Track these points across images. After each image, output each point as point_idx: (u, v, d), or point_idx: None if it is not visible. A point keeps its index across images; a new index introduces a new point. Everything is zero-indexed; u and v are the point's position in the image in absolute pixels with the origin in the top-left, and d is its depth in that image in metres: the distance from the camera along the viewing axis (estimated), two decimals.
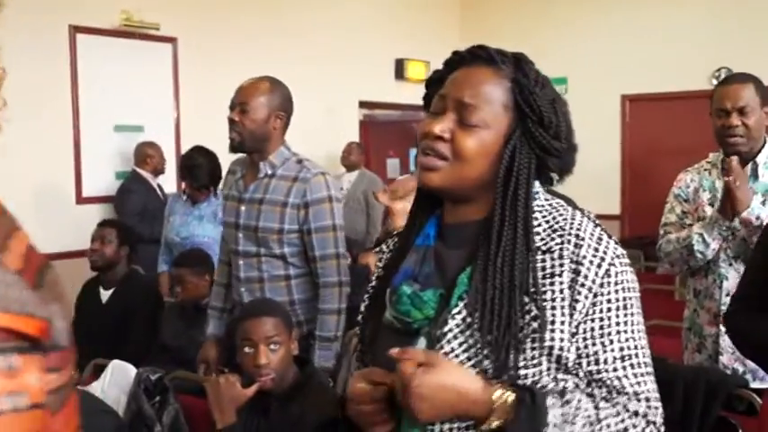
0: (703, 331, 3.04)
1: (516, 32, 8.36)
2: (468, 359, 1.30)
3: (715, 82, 7.61)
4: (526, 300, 1.30)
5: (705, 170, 3.10)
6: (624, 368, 1.31)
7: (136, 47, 6.35)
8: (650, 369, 1.35)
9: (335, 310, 2.94)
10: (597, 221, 1.38)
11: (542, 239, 1.34)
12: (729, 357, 2.90)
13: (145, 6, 6.29)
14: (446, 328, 1.33)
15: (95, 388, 3.10)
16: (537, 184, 1.41)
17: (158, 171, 6.14)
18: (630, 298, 1.33)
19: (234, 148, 3.00)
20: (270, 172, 2.96)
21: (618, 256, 1.34)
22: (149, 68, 6.47)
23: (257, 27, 7.15)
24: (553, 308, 1.29)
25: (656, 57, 8.07)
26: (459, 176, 1.36)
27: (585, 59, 8.47)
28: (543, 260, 1.32)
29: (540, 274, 1.31)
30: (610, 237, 1.36)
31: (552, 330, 1.29)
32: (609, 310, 1.31)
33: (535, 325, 1.29)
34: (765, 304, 2.15)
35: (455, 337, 1.32)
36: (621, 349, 1.31)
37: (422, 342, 1.36)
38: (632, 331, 1.33)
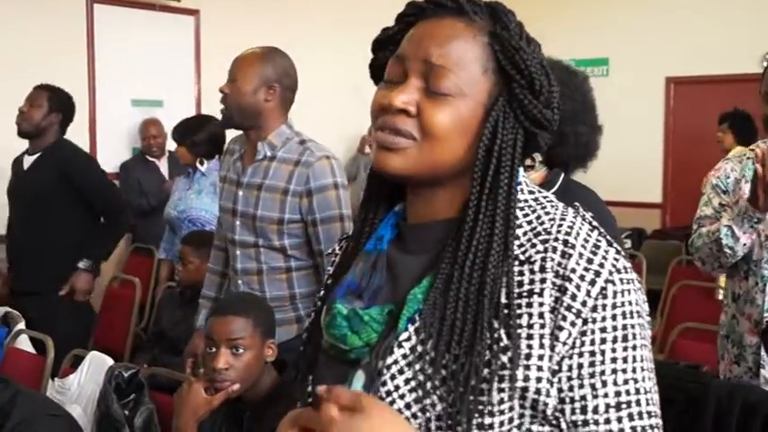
0: (743, 341, 2.69)
1: (552, 10, 7.96)
2: (416, 401, 0.98)
3: (766, 64, 7.21)
4: (496, 324, 0.96)
5: (749, 158, 2.73)
6: (620, 419, 0.96)
7: (156, 18, 6.14)
8: (656, 421, 0.98)
9: None
10: (595, 223, 1.04)
11: (521, 246, 1.00)
12: None
13: None
14: (390, 360, 1.00)
15: (72, 381, 2.88)
16: (521, 170, 1.07)
17: (155, 152, 5.88)
18: (633, 326, 0.97)
19: (224, 123, 2.75)
20: (269, 154, 2.65)
21: (618, 270, 0.98)
22: (170, 41, 6.25)
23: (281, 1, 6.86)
24: (530, 336, 0.95)
25: (702, 37, 7.67)
26: (429, 160, 1.02)
27: (628, 39, 8.08)
28: (521, 272, 0.98)
29: (515, 290, 0.97)
30: (610, 244, 1.01)
31: (527, 367, 0.95)
32: (603, 341, 0.96)
33: (505, 359, 0.95)
34: None
35: (400, 372, 0.99)
36: (618, 394, 0.96)
37: (360, 377, 1.02)
38: (634, 370, 0.97)
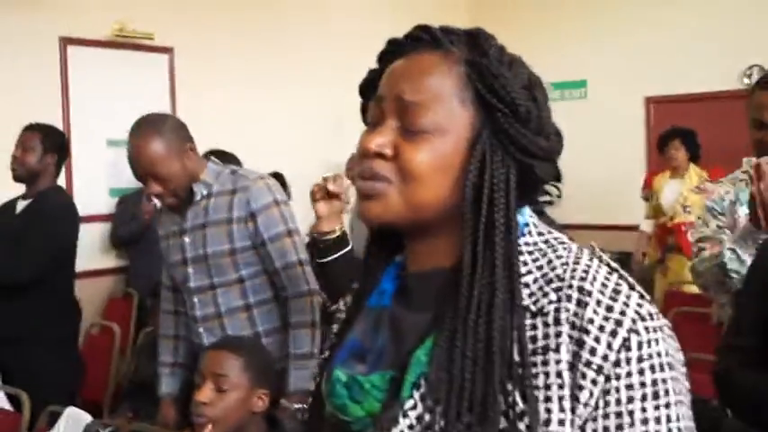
0: None
1: (530, 35, 7.94)
2: None
3: (747, 81, 7.20)
4: (509, 386, 0.87)
5: (741, 181, 2.69)
6: None
7: (130, 58, 6.05)
8: None
9: (308, 323, 2.58)
10: (614, 265, 0.95)
11: (531, 295, 0.91)
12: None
13: (138, 16, 6.00)
14: (395, 431, 0.92)
15: None
16: (527, 212, 1.00)
17: None
18: (665, 380, 0.87)
19: (179, 206, 2.68)
20: (205, 192, 2.64)
21: (643, 318, 0.88)
22: (144, 80, 6.17)
23: (258, 35, 6.82)
24: (548, 399, 0.86)
25: (679, 56, 7.64)
26: (411, 204, 0.95)
27: (605, 61, 8.07)
28: (534, 326, 0.90)
29: (529, 346, 0.89)
30: (632, 287, 0.92)
31: None
32: (630, 400, 0.85)
33: (522, 426, 0.86)
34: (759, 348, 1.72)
35: None
36: None
37: None
38: (669, 431, 0.86)
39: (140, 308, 5.25)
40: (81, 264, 5.58)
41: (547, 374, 0.87)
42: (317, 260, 2.23)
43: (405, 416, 0.91)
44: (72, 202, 3.89)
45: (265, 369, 2.27)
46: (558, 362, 0.87)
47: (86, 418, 2.74)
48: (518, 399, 0.86)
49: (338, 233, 2.17)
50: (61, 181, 5.54)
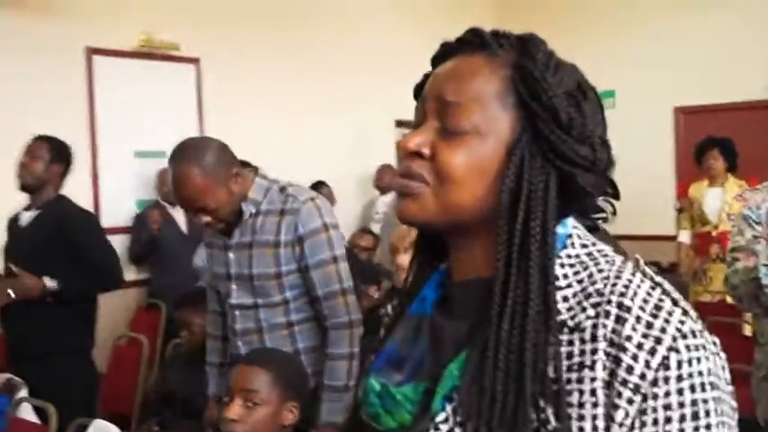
0: None
1: (558, 44, 7.84)
2: None
3: None
4: (542, 403, 0.83)
5: None
6: None
7: (156, 68, 6.06)
8: None
9: (346, 355, 2.50)
10: (658, 279, 0.88)
11: (570, 309, 0.86)
12: None
13: (164, 27, 6.01)
14: None
15: None
16: (570, 222, 0.94)
17: (173, 199, 5.81)
18: (706, 401, 0.81)
19: (228, 231, 2.59)
20: (254, 210, 2.54)
21: (684, 335, 0.83)
22: (171, 91, 6.17)
23: (284, 44, 6.81)
24: (581, 417, 0.82)
25: (709, 66, 7.60)
26: (447, 206, 0.92)
27: (634, 71, 8.01)
28: (570, 342, 0.85)
29: (564, 363, 0.84)
30: (676, 303, 0.86)
31: None
32: (668, 420, 0.80)
33: None
34: None
35: None
36: None
37: None
38: None
39: (168, 320, 5.23)
40: None
41: (581, 392, 0.83)
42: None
43: (436, 428, 0.88)
44: (84, 209, 3.91)
45: (295, 381, 2.21)
46: (593, 380, 0.83)
47: (114, 430, 2.69)
48: (551, 416, 0.82)
49: None
50: (86, 192, 5.61)
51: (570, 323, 0.86)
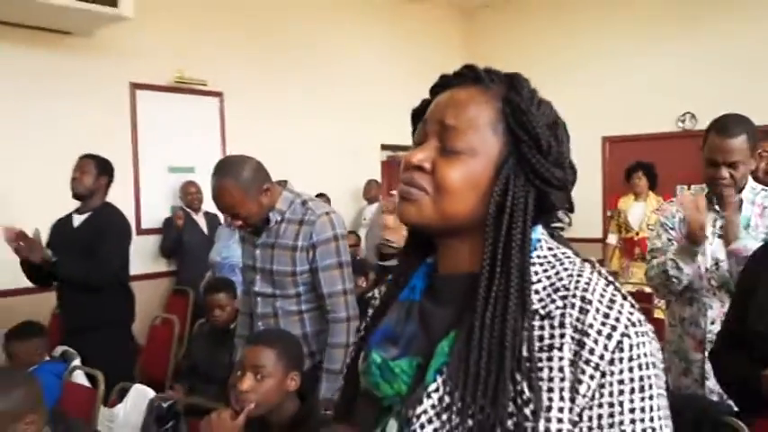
0: (689, 356, 2.56)
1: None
2: None
3: (681, 125, 7.21)
4: (518, 377, 0.83)
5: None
6: None
7: (187, 100, 6.02)
8: None
9: (343, 344, 2.48)
10: (610, 278, 0.90)
11: (541, 300, 0.87)
12: (715, 381, 2.40)
13: (195, 65, 5.99)
14: (419, 409, 0.87)
15: (119, 410, 2.70)
16: (540, 229, 0.95)
17: (194, 206, 5.80)
18: (650, 377, 0.84)
19: (257, 232, 2.57)
20: (279, 218, 2.52)
21: (633, 324, 0.85)
22: (199, 118, 6.14)
23: (293, 83, 6.80)
24: (550, 389, 0.82)
25: (631, 102, 7.65)
26: (442, 212, 0.91)
27: (571, 105, 7.99)
28: (541, 327, 0.85)
29: (536, 345, 0.84)
30: (625, 298, 0.88)
31: (548, 419, 0.81)
32: (621, 392, 0.82)
33: (528, 411, 0.82)
34: (742, 339, 1.74)
35: (429, 421, 0.86)
36: None
37: (393, 425, 0.91)
38: (651, 419, 0.83)
39: (194, 303, 5.20)
40: (144, 267, 5.59)
41: (551, 369, 0.83)
42: (378, 261, 2.14)
43: (428, 397, 0.87)
44: (125, 217, 3.82)
45: (296, 354, 2.19)
46: (560, 359, 0.83)
47: (150, 393, 2.66)
48: (525, 388, 0.83)
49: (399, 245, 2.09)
50: (129, 200, 5.58)
51: (542, 312, 0.86)
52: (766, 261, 1.78)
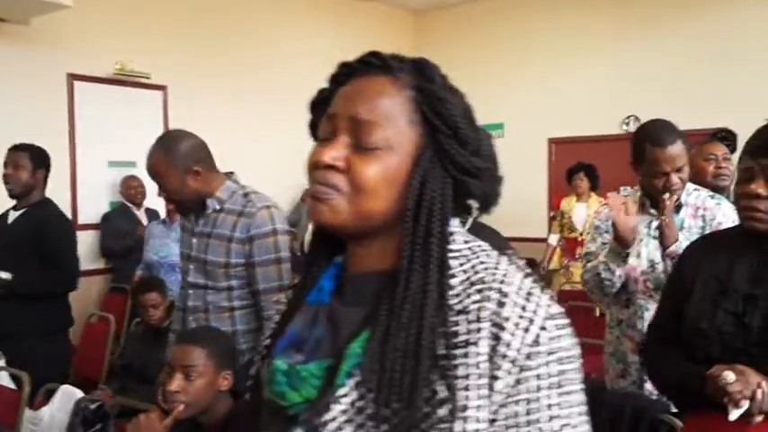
0: (627, 358, 2.57)
1: (464, 83, 7.91)
2: None
3: (625, 128, 7.34)
4: (434, 377, 0.78)
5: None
6: None
7: (129, 93, 5.85)
8: None
9: None
10: (528, 271, 0.86)
11: (457, 295, 0.82)
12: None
13: (137, 58, 5.82)
14: (328, 416, 0.81)
15: (44, 412, 2.58)
16: (455, 222, 0.89)
17: (137, 201, 5.63)
18: (567, 372, 0.81)
19: (184, 214, 2.54)
20: (218, 207, 2.44)
21: (551, 317, 0.81)
22: (141, 112, 5.97)
23: (238, 78, 6.67)
24: (467, 387, 0.77)
25: (576, 105, 7.76)
26: (359, 212, 0.85)
27: (519, 107, 8.13)
28: (457, 323, 0.80)
29: (452, 341, 0.80)
30: (542, 290, 0.84)
31: (465, 419, 0.77)
32: (538, 388, 0.79)
33: (443, 411, 0.77)
34: (674, 333, 1.73)
35: (339, 429, 0.80)
36: None
37: None
38: (569, 416, 0.80)
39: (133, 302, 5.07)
40: (83, 264, 5.40)
41: (467, 366, 0.78)
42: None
43: (338, 402, 0.81)
44: (65, 215, 3.63)
45: (228, 352, 2.12)
46: (477, 354, 0.78)
47: (79, 393, 2.55)
48: (441, 388, 0.78)
49: None
50: (66, 195, 5.39)
51: (457, 307, 0.81)
52: (701, 256, 1.76)
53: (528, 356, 0.78)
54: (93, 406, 2.29)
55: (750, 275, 1.61)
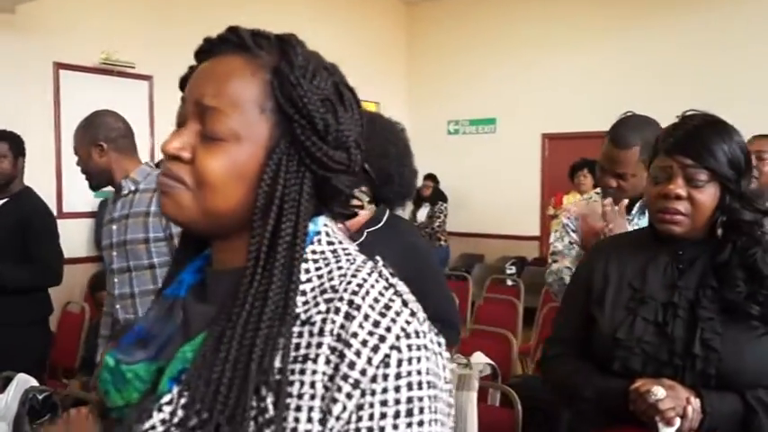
0: None
1: (457, 77, 7.93)
2: None
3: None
4: (264, 392, 0.70)
5: (595, 201, 2.53)
6: None
7: (114, 82, 5.83)
8: None
9: None
10: (393, 280, 0.76)
11: (306, 303, 0.73)
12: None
13: (122, 47, 5.79)
14: (147, 425, 0.73)
15: (1, 400, 2.56)
16: (322, 220, 0.81)
17: None
18: (421, 398, 0.70)
19: (92, 188, 2.61)
20: (133, 188, 2.48)
21: (408, 335, 0.71)
22: (127, 102, 5.89)
23: None
24: (298, 408, 0.69)
25: (570, 101, 7.71)
26: (204, 209, 0.77)
27: (511, 103, 8.08)
28: (300, 334, 0.72)
29: (291, 355, 0.71)
30: (405, 304, 0.74)
31: None
32: (383, 416, 0.68)
33: None
34: (581, 343, 1.56)
35: None
36: None
37: None
38: None
39: None
40: (67, 253, 5.40)
41: (302, 383, 0.70)
42: None
43: (159, 410, 0.73)
44: (47, 205, 3.60)
45: None
46: (314, 372, 0.70)
47: (32, 382, 2.53)
48: (270, 405, 0.69)
49: None
50: (52, 184, 5.38)
51: (303, 316, 0.73)
52: (608, 260, 1.58)
53: (373, 379, 0.69)
54: (41, 396, 2.27)
55: (664, 282, 1.48)
